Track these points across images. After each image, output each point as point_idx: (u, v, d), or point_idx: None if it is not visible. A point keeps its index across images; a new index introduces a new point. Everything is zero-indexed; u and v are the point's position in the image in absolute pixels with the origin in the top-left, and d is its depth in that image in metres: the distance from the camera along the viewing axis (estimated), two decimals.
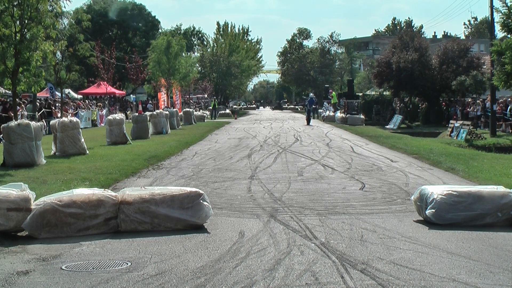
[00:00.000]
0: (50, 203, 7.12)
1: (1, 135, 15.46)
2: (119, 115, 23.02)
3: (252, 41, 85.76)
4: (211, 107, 54.87)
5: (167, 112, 29.10)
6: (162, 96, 40.59)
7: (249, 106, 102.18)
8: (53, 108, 29.91)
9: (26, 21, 13.96)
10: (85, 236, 7.07)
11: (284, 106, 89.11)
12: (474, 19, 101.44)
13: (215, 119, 49.93)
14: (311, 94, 45.59)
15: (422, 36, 61.31)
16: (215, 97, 65.37)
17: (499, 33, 25.52)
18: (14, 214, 7.02)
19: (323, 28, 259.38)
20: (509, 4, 21.73)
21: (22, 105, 26.55)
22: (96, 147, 19.00)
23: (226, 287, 5.17)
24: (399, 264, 5.80)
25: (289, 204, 9.08)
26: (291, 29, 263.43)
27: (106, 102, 40.50)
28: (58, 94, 30.48)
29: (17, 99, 17.65)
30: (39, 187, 10.09)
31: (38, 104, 29.11)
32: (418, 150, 17.30)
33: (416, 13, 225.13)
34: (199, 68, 65.84)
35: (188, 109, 41.73)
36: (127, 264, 5.93)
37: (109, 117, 22.51)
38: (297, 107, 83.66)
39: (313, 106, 38.56)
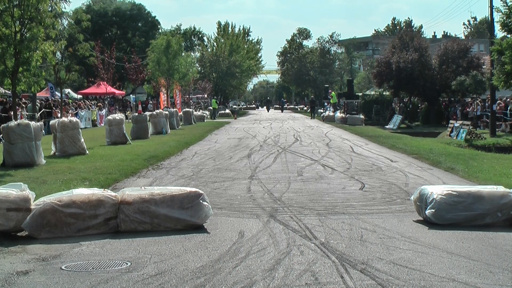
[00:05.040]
0: (50, 203, 7.12)
1: (1, 135, 15.46)
2: (118, 115, 23.02)
3: (253, 41, 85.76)
4: (211, 107, 54.92)
5: (166, 112, 29.10)
6: (163, 97, 40.64)
7: (248, 106, 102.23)
8: (54, 108, 29.91)
9: (26, 21, 13.96)
10: (85, 236, 7.07)
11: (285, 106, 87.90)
12: (473, 19, 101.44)
13: (214, 119, 49.96)
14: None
15: (422, 36, 61.25)
16: (215, 97, 65.42)
17: (499, 33, 25.51)
18: (14, 214, 7.02)
19: (323, 28, 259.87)
20: (509, 4, 21.71)
21: (22, 105, 26.54)
22: (95, 147, 19.00)
23: (226, 287, 5.17)
24: (399, 264, 5.80)
25: (289, 204, 9.07)
26: (291, 29, 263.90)
27: (106, 102, 40.50)
28: (58, 94, 30.50)
29: (17, 99, 17.65)
30: (39, 187, 10.09)
31: (38, 104, 29.10)
32: (418, 150, 17.30)
33: (415, 13, 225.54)
34: (199, 68, 65.82)
35: (188, 109, 41.73)
36: (127, 264, 5.93)
37: (109, 117, 22.51)
38: (296, 107, 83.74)
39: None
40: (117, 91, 50.12)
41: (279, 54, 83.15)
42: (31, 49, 14.04)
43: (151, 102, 52.84)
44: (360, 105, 42.26)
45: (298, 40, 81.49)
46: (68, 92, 45.26)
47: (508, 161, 14.83)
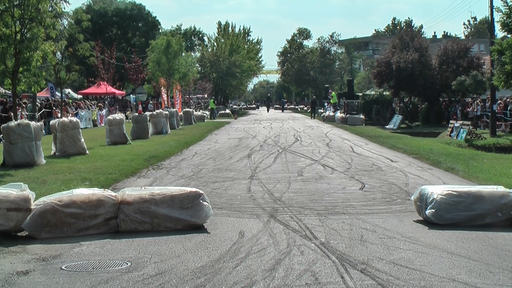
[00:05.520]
0: (50, 203, 7.12)
1: (1, 135, 15.46)
2: (119, 115, 23.02)
3: (253, 41, 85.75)
4: (210, 108, 55.13)
5: (167, 112, 29.11)
6: (164, 97, 40.67)
7: (249, 106, 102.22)
8: (54, 108, 29.92)
9: (26, 21, 13.96)
10: (85, 236, 7.07)
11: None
12: (473, 19, 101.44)
13: (213, 119, 49.95)
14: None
15: (422, 36, 61.22)
16: (213, 97, 65.58)
17: (499, 33, 25.50)
18: (14, 214, 7.02)
19: (323, 28, 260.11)
20: (510, 4, 21.71)
21: (23, 105, 26.55)
22: (96, 147, 19.00)
23: (226, 287, 5.17)
24: (399, 264, 5.80)
25: (289, 204, 9.07)
26: (291, 29, 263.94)
27: (106, 102, 40.50)
28: (58, 94, 30.51)
29: (17, 99, 17.65)
30: (39, 187, 10.09)
31: (38, 104, 29.10)
32: (418, 150, 17.30)
33: (416, 13, 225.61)
34: (199, 68, 65.80)
35: (188, 109, 41.74)
36: (127, 264, 5.93)
37: (109, 117, 22.51)
38: (297, 107, 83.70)
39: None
40: (117, 91, 50.11)
41: (279, 54, 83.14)
42: (31, 49, 14.03)
43: (151, 102, 52.85)
44: (360, 105, 42.25)
45: (298, 40, 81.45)
46: (68, 92, 45.28)
47: (508, 161, 14.83)
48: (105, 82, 35.75)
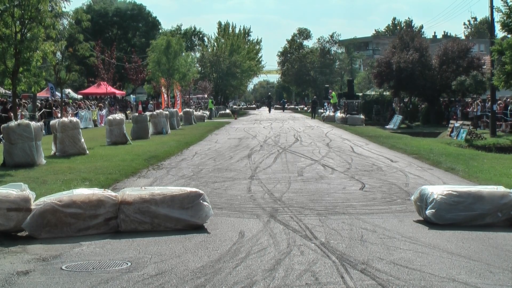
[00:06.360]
0: (50, 203, 7.12)
1: (1, 135, 15.46)
2: (119, 115, 23.01)
3: (253, 41, 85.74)
4: (208, 108, 55.34)
5: (167, 112, 29.11)
6: (165, 97, 40.66)
7: (249, 106, 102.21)
8: (54, 108, 29.91)
9: (26, 21, 13.96)
10: (85, 236, 7.07)
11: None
12: (474, 19, 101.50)
13: (211, 118, 49.96)
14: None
15: (422, 36, 61.23)
16: (211, 97, 65.68)
17: (499, 33, 25.51)
18: (14, 214, 7.02)
19: (323, 28, 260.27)
20: (510, 4, 21.72)
21: (24, 105, 26.55)
22: (96, 147, 19.00)
23: (226, 287, 5.17)
24: (399, 264, 5.80)
25: (289, 204, 9.07)
26: (291, 29, 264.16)
27: (106, 102, 40.50)
28: (58, 94, 30.51)
29: (17, 100, 17.66)
30: (39, 187, 10.09)
31: (38, 104, 29.09)
32: (418, 150, 17.30)
33: (416, 13, 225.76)
34: (199, 68, 65.82)
35: (188, 109, 41.74)
36: (127, 264, 5.93)
37: (109, 117, 22.51)
38: (297, 107, 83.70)
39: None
40: (117, 91, 50.11)
41: (279, 54, 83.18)
42: (31, 49, 14.03)
43: (151, 102, 52.84)
44: (360, 105, 42.24)
45: (298, 40, 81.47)
46: (69, 92, 45.28)
47: (509, 161, 14.82)
48: (105, 82, 35.74)
